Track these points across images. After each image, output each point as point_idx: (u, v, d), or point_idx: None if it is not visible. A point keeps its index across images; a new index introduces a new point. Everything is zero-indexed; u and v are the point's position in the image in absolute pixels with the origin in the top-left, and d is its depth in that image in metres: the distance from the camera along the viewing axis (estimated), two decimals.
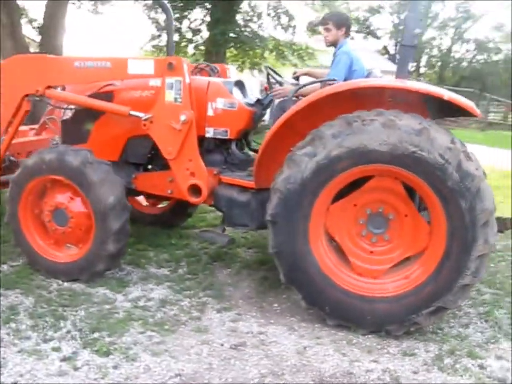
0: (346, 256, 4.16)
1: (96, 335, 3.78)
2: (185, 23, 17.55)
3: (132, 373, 3.36)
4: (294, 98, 4.80)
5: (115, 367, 3.40)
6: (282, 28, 17.16)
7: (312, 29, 17.61)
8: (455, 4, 42.88)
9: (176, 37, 17.80)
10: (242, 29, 16.80)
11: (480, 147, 13.23)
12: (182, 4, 16.35)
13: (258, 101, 5.34)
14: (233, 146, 5.21)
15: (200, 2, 16.36)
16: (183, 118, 4.60)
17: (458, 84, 38.93)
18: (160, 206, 6.68)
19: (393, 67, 31.74)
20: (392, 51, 44.82)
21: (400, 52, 4.40)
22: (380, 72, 5.11)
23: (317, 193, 3.93)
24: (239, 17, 17.13)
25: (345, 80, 4.71)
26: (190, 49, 18.65)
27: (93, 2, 14.05)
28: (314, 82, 4.85)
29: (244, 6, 17.31)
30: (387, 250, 4.13)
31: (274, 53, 17.99)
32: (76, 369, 3.37)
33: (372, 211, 4.08)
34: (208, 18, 17.14)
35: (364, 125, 3.78)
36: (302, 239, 3.99)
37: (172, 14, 4.95)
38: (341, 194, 4.11)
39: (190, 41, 18.20)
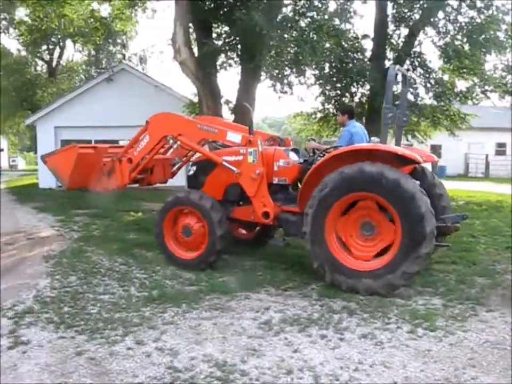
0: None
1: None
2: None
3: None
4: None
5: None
6: (436, 96, 18.91)
7: (464, 96, 19.34)
8: None
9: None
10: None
11: None
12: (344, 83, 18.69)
13: (305, 160, 8.19)
14: (290, 189, 8.24)
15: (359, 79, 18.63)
16: (257, 172, 7.67)
17: None
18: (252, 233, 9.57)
19: None
20: None
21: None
22: (376, 139, 8.02)
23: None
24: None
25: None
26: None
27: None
28: (329, 147, 7.99)
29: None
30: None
31: (428, 120, 19.64)
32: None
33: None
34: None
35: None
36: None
37: None
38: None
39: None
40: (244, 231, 9.56)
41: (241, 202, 8.42)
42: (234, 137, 8.08)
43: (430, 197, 7.09)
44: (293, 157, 8.26)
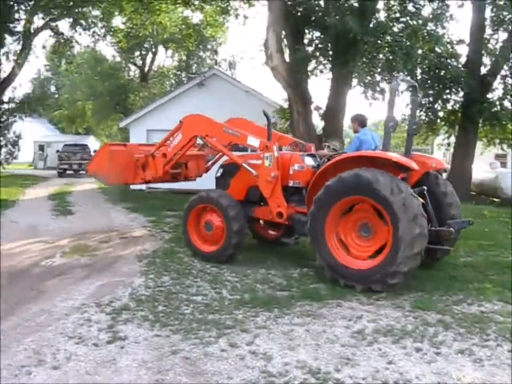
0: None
1: None
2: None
3: None
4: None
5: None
6: None
7: None
8: None
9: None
10: (497, 106, 18.08)
11: None
12: (436, 89, 18.22)
13: (319, 165, 8.45)
14: (304, 191, 8.49)
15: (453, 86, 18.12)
16: (272, 175, 8.33)
17: None
18: (275, 233, 10.22)
19: None
20: None
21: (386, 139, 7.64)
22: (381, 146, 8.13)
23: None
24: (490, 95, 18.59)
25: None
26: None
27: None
28: (335, 153, 8.50)
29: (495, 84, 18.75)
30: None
31: None
32: None
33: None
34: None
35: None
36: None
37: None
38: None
39: (445, 119, 19.97)
40: (272, 232, 10.33)
41: (261, 203, 9.06)
42: (253, 141, 8.65)
43: (438, 203, 7.87)
44: (309, 161, 8.75)
